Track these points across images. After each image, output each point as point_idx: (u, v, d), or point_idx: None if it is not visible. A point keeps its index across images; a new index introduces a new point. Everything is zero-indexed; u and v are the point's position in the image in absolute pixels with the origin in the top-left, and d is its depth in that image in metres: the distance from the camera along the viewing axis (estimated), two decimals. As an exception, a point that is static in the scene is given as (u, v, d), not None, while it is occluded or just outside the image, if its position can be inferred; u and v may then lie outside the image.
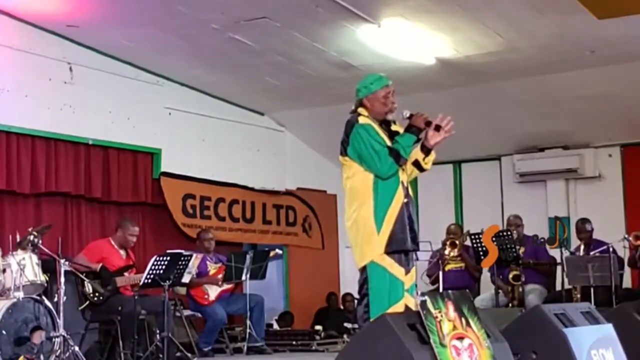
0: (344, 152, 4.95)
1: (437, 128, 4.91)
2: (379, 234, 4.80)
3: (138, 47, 8.83)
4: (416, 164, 5.02)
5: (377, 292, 4.78)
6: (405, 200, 4.90)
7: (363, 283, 4.85)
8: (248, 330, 8.69)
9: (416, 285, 5.04)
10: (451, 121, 4.92)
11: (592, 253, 8.69)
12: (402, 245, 4.84)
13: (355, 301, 10.62)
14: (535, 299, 8.71)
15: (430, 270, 9.26)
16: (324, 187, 11.59)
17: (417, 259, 5.24)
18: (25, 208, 8.40)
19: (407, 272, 4.87)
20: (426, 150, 4.97)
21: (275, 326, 10.34)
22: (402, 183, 4.91)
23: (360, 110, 5.00)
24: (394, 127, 5.04)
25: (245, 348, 8.66)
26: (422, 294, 3.79)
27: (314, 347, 9.28)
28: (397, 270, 4.82)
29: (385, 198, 4.84)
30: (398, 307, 4.73)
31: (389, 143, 4.88)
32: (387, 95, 4.99)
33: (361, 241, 4.85)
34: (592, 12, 7.47)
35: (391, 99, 4.99)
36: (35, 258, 6.88)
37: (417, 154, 4.98)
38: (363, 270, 4.86)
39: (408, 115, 4.98)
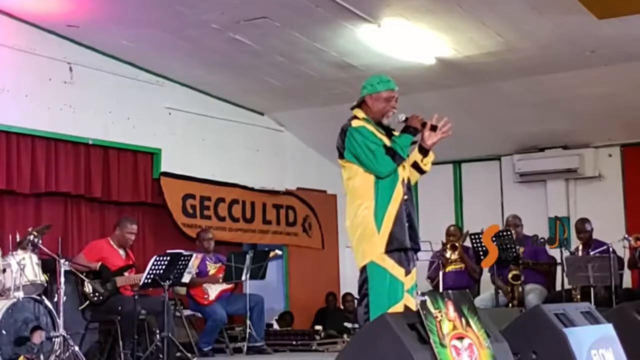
0: (341, 157, 4.97)
1: (434, 128, 4.92)
2: (379, 234, 4.80)
3: (138, 47, 8.83)
4: (415, 166, 5.04)
5: (377, 293, 4.78)
6: (405, 197, 4.90)
7: (363, 283, 4.85)
8: (248, 330, 8.68)
9: (416, 285, 5.04)
10: (449, 122, 4.92)
11: (592, 253, 8.69)
12: (401, 243, 4.84)
13: (356, 301, 10.66)
14: (535, 299, 8.71)
15: (431, 273, 9.27)
16: (324, 187, 11.59)
17: (417, 259, 5.25)
18: (25, 208, 8.40)
19: (408, 272, 4.87)
20: (424, 151, 4.99)
21: (275, 326, 10.33)
22: (403, 180, 4.92)
23: (357, 112, 5.02)
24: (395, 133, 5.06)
25: (245, 348, 8.66)
26: (422, 294, 3.80)
27: (314, 347, 9.28)
28: (397, 271, 4.82)
29: (385, 196, 4.84)
30: (398, 308, 4.72)
31: (387, 142, 4.89)
32: (389, 98, 5.00)
33: (362, 241, 4.85)
34: (592, 12, 7.47)
35: (393, 103, 5.00)
36: (35, 258, 6.89)
37: (415, 155, 5.00)
38: (363, 270, 4.86)
39: (403, 118, 5.00)
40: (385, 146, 4.86)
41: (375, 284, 4.79)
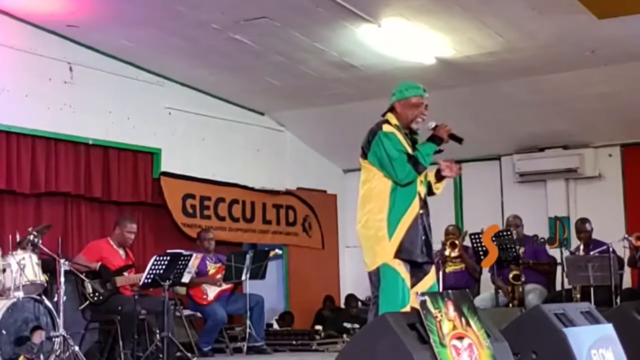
0: (364, 157, 5.01)
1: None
2: (390, 240, 4.86)
3: (138, 47, 8.83)
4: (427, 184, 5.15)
5: (388, 293, 4.82)
6: (421, 211, 4.96)
7: (378, 285, 4.88)
8: (248, 330, 8.69)
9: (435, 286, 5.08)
10: (460, 170, 5.10)
11: (592, 253, 8.69)
12: (409, 255, 4.89)
13: (359, 302, 10.70)
14: (535, 299, 8.71)
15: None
16: (324, 187, 11.59)
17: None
18: (25, 208, 8.40)
19: (416, 282, 4.90)
20: (440, 178, 5.12)
21: (275, 326, 10.34)
22: (419, 194, 4.99)
23: (389, 116, 5.06)
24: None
25: (245, 348, 8.66)
26: (422, 294, 3.80)
27: (314, 347, 9.29)
28: (405, 274, 4.86)
29: (401, 206, 4.90)
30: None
31: (410, 151, 4.95)
32: (418, 104, 5.06)
33: (374, 243, 4.89)
34: (592, 12, 7.47)
35: (422, 109, 5.06)
36: (35, 258, 6.89)
37: (431, 177, 5.12)
38: (376, 272, 4.88)
39: (433, 126, 5.11)
40: (407, 154, 4.90)
41: (386, 285, 4.84)
